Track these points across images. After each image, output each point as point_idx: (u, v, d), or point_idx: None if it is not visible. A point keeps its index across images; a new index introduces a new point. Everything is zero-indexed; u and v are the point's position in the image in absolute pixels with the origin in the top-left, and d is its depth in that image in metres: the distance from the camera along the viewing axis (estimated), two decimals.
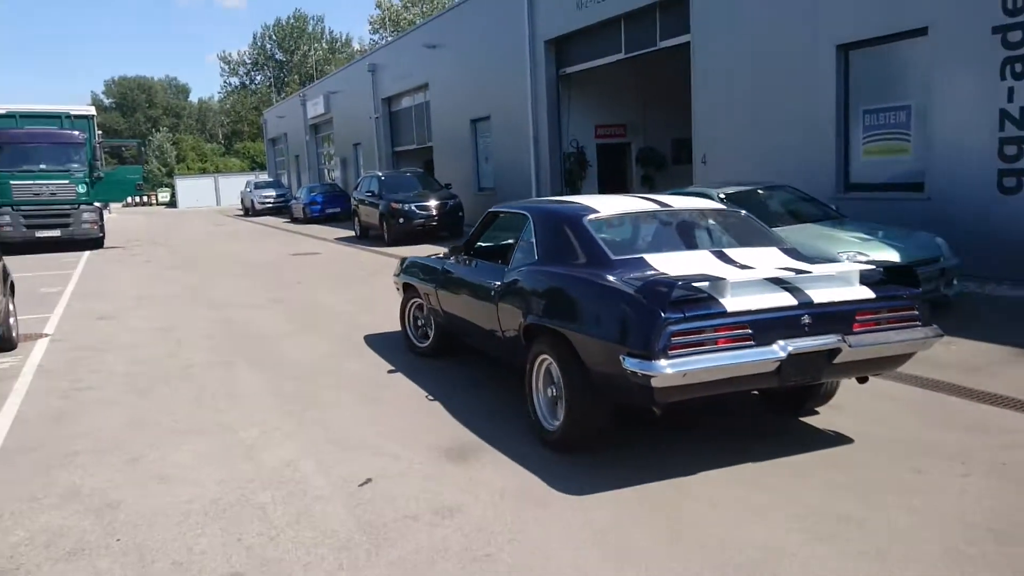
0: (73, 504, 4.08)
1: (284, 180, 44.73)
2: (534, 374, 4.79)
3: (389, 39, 41.11)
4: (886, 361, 4.42)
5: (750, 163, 12.35)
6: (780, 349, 3.93)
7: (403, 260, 7.58)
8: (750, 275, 4.20)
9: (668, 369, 3.72)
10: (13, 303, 8.29)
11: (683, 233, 5.25)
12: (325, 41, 76.29)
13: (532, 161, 19.03)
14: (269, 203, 36.93)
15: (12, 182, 19.27)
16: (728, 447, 4.57)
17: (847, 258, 7.72)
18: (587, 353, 4.25)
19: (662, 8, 14.65)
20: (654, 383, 3.78)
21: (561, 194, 18.88)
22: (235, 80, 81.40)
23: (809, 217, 9.32)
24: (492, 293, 5.40)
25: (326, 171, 39.07)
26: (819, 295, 4.12)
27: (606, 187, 18.97)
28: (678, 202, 5.56)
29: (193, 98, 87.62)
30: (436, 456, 4.61)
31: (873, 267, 4.47)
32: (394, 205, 18.38)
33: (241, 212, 40.73)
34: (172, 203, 59.48)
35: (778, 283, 4.13)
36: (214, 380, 6.57)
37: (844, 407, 5.11)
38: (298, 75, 72.09)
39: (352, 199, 22.31)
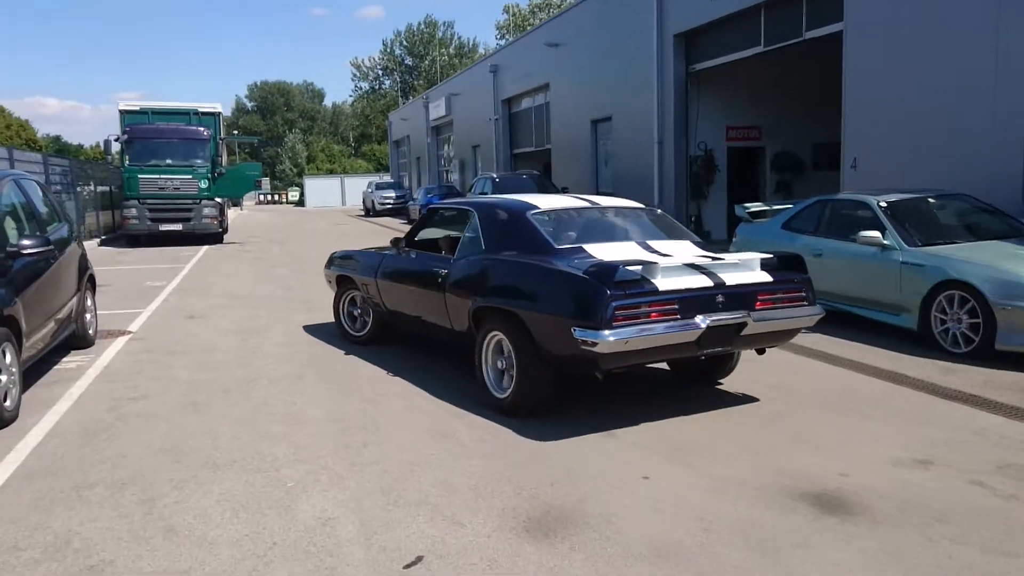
0: (52, 563, 3.27)
1: (406, 182, 45.06)
2: (484, 351, 5.31)
3: (511, 40, 40.54)
4: (781, 334, 5.23)
5: (911, 168, 10.61)
6: (701, 322, 4.64)
7: (334, 254, 8.05)
8: (675, 261, 4.88)
9: (611, 337, 4.38)
10: (93, 298, 7.88)
11: (612, 227, 5.89)
12: (453, 47, 77.02)
13: (655, 165, 17.68)
14: (389, 204, 37.08)
15: (140, 176, 19.76)
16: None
17: None
18: (539, 328, 4.85)
19: None
20: (599, 349, 4.41)
21: (687, 201, 17.48)
22: (365, 85, 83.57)
23: (993, 232, 7.69)
24: (439, 281, 5.88)
25: (445, 173, 38.92)
26: (730, 278, 4.86)
27: (736, 194, 17.30)
28: (605, 201, 6.42)
29: (328, 102, 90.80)
30: (510, 527, 3.55)
31: (770, 255, 5.19)
32: None
33: (362, 212, 41.23)
34: (301, 202, 61.41)
35: (697, 268, 4.84)
36: (277, 396, 5.78)
37: None
38: (425, 80, 73.11)
39: None
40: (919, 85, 10.64)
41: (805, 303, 5.15)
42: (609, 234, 5.70)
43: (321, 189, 59.83)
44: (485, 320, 5.31)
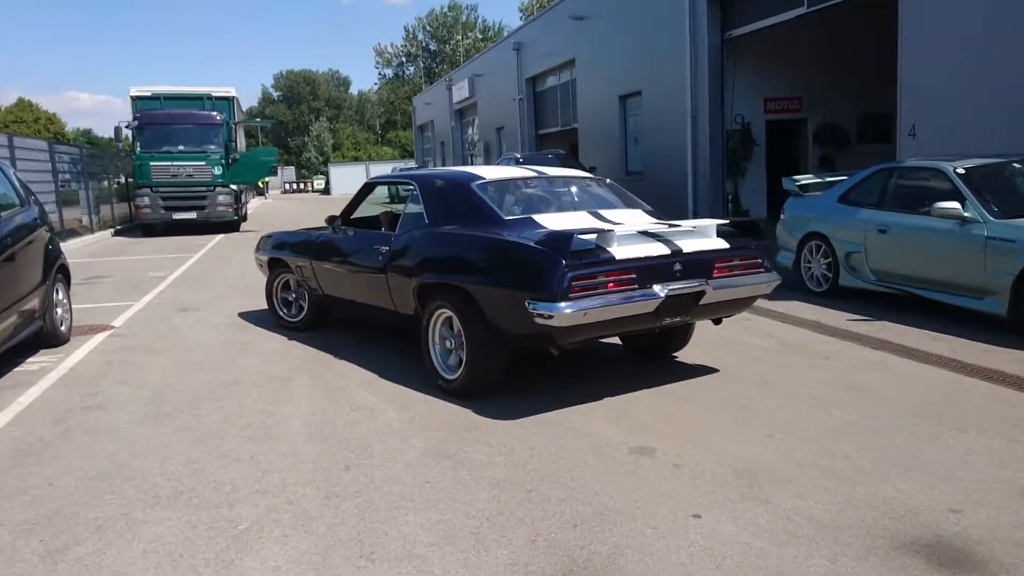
0: None
1: (430, 167, 44.26)
2: (430, 330, 5.03)
3: (534, 17, 39.37)
4: (738, 303, 5.06)
5: (980, 134, 9.45)
6: (659, 291, 4.45)
7: (264, 236, 7.63)
8: (630, 229, 4.65)
9: (568, 310, 4.14)
10: (66, 291, 7.10)
11: (560, 196, 5.72)
12: (478, 30, 75.81)
13: (688, 141, 16.53)
14: None
15: (152, 163, 19.07)
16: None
17: None
18: (490, 303, 4.58)
19: None
20: (556, 322, 4.16)
21: (723, 178, 16.34)
22: (389, 72, 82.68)
23: None
24: (380, 258, 5.58)
25: (469, 157, 37.99)
26: (686, 245, 4.68)
27: (776, 169, 16.16)
28: (552, 171, 6.31)
29: (353, 90, 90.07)
30: None
31: (726, 222, 5.04)
32: None
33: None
34: (326, 190, 60.91)
35: (652, 236, 4.66)
36: (255, 404, 4.93)
37: None
38: (449, 64, 72.07)
39: None
40: (988, 44, 9.45)
41: (762, 270, 5.02)
42: (559, 204, 5.55)
43: (346, 176, 59.21)
44: (431, 297, 5.04)
